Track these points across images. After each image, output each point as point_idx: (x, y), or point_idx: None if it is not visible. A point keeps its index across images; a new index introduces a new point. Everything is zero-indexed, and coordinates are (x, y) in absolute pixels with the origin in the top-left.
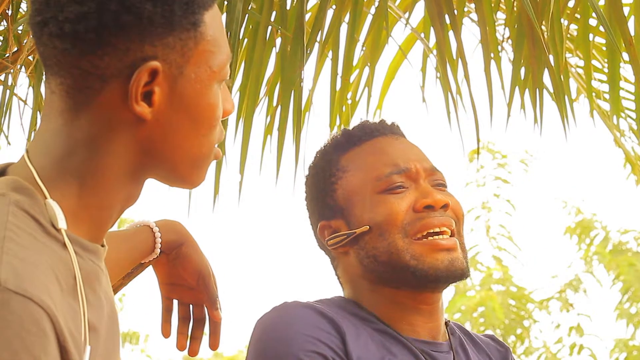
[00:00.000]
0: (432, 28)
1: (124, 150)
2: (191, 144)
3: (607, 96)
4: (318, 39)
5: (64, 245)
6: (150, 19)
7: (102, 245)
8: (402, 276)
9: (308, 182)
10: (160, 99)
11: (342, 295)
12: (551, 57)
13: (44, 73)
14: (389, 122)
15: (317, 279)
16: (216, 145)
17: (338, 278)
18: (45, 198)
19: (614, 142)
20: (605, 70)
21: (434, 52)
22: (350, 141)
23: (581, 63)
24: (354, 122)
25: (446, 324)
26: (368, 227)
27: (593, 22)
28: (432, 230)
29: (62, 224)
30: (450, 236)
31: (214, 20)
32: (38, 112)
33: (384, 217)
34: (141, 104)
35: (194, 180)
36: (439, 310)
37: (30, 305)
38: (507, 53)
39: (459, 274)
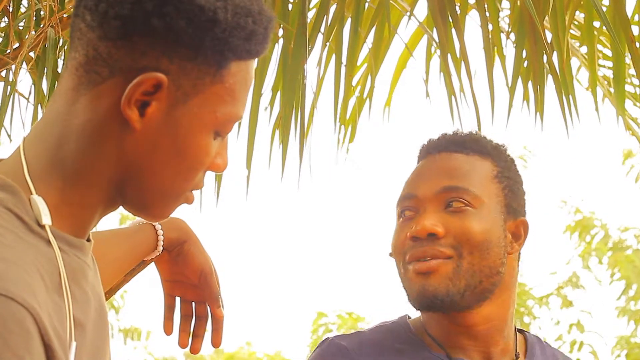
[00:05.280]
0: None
1: (107, 154)
2: (167, 174)
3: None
4: (322, 29)
5: (49, 242)
6: (179, 35)
7: (88, 240)
8: None
9: None
10: (154, 114)
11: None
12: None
13: (44, 69)
14: (461, 135)
15: (319, 277)
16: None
17: None
18: (31, 193)
19: (625, 130)
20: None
21: (438, 46)
22: (420, 154)
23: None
24: (362, 118)
25: (517, 356)
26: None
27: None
28: (418, 260)
29: (46, 220)
30: (432, 259)
31: (240, 74)
32: (39, 108)
33: (393, 246)
34: (132, 109)
35: (156, 213)
36: (489, 334)
37: (13, 305)
38: (511, 41)
39: (434, 303)
